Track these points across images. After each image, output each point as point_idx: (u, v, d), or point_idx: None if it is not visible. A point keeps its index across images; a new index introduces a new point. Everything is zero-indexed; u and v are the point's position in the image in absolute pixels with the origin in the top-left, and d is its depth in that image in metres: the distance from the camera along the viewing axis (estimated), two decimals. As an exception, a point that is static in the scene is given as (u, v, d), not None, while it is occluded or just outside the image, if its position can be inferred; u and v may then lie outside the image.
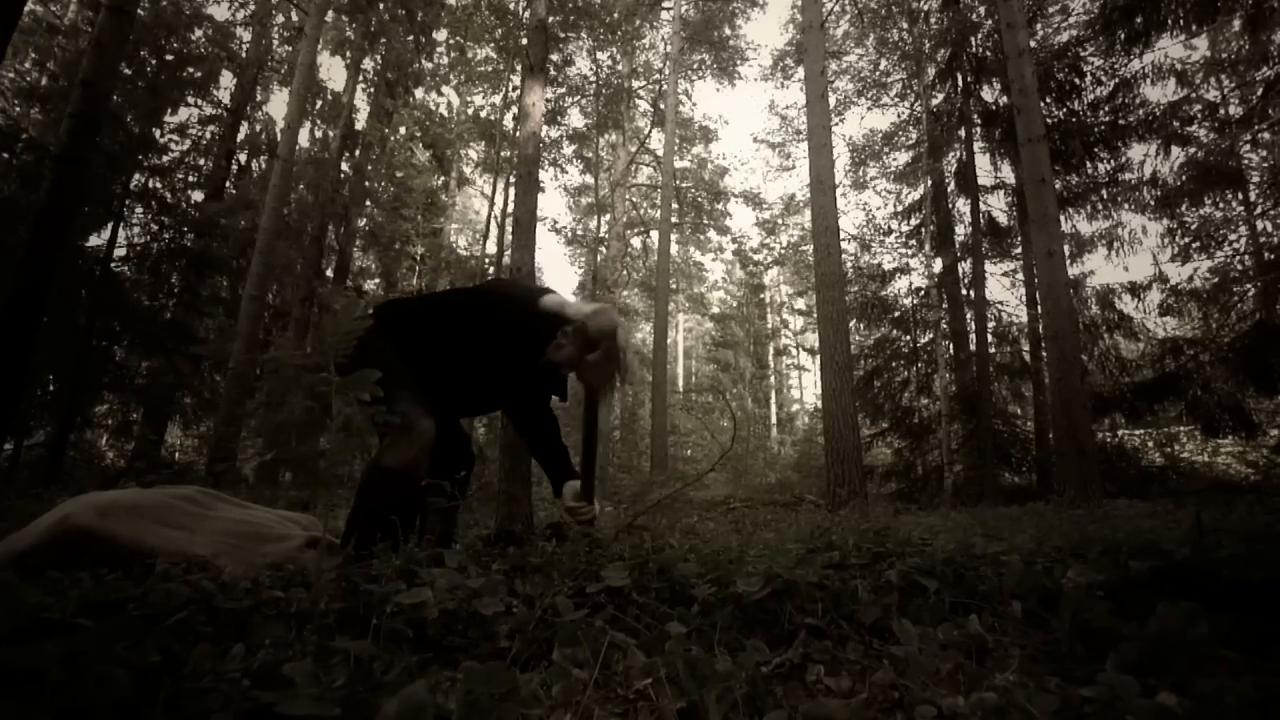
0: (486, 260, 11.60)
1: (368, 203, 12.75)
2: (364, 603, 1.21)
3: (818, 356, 8.47)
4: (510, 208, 8.96)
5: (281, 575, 1.60)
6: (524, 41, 6.21)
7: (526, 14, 5.82)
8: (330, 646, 0.76)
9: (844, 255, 11.50)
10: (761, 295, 20.69)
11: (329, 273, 13.12)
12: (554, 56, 10.69)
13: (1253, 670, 0.91)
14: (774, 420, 22.51)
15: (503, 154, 10.96)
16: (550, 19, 9.69)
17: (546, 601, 1.25)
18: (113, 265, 8.84)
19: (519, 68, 9.49)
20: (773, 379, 22.77)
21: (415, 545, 1.57)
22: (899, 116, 12.17)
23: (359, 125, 13.00)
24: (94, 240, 8.85)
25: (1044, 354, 7.67)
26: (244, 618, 1.18)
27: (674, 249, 19.79)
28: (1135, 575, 1.39)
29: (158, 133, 10.19)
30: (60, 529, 2.06)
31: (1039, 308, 8.12)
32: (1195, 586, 1.25)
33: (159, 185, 9.45)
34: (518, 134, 5.34)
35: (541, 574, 1.56)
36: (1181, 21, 7.94)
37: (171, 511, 2.34)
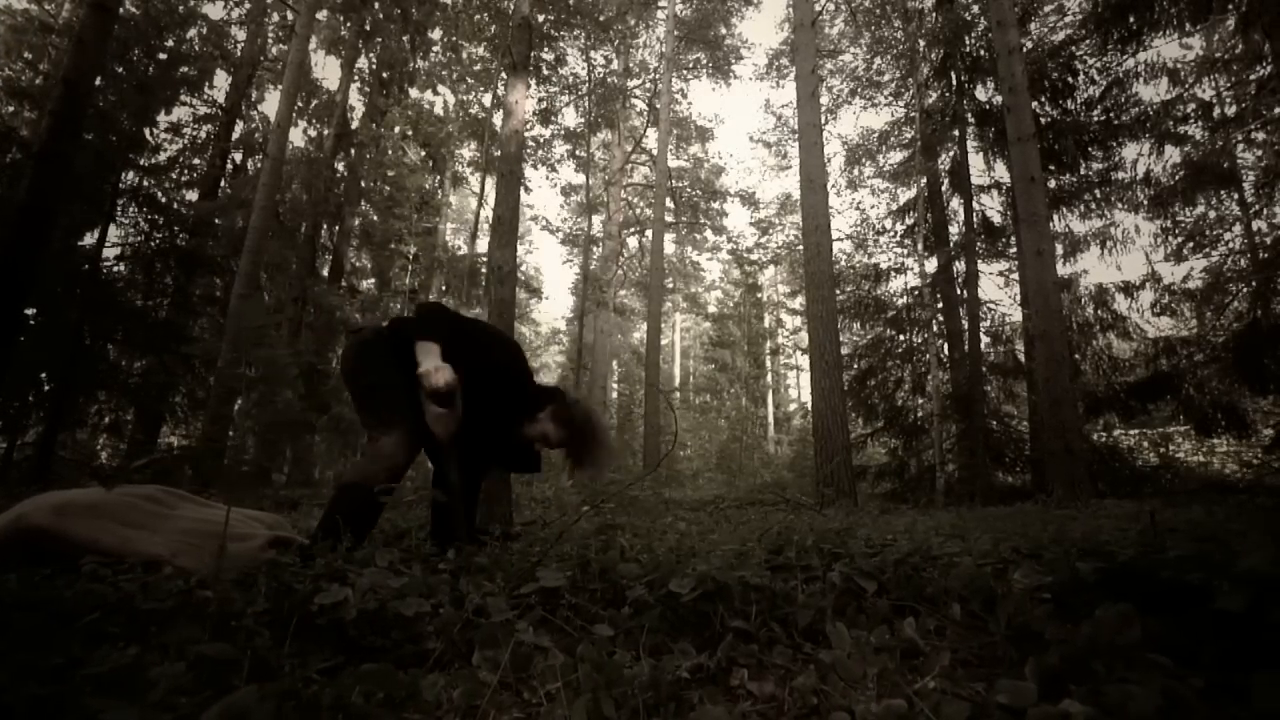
0: (480, 262, 11.59)
1: (364, 204, 12.73)
2: (288, 603, 1.19)
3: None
4: (502, 207, 8.90)
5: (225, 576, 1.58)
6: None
7: (512, 11, 5.79)
8: (194, 650, 0.73)
9: (838, 254, 11.49)
10: (758, 295, 20.66)
11: (324, 272, 13.12)
12: (547, 55, 10.67)
13: (1176, 676, 0.89)
14: (771, 420, 22.49)
15: (494, 152, 10.95)
16: (541, 18, 9.67)
17: (475, 602, 1.23)
18: (105, 264, 8.83)
19: (511, 66, 9.44)
20: (770, 378, 22.75)
21: (353, 547, 1.56)
22: (893, 115, 12.15)
23: (354, 124, 12.98)
24: (88, 239, 8.84)
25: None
26: (165, 619, 1.16)
27: (671, 249, 19.77)
28: (1084, 577, 1.37)
29: (152, 132, 10.19)
30: (15, 529, 2.04)
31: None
32: (1137, 588, 1.23)
33: (151, 184, 9.43)
34: (501, 131, 5.33)
35: (485, 574, 1.54)
36: (1175, 21, 7.91)
37: (131, 511, 2.32)
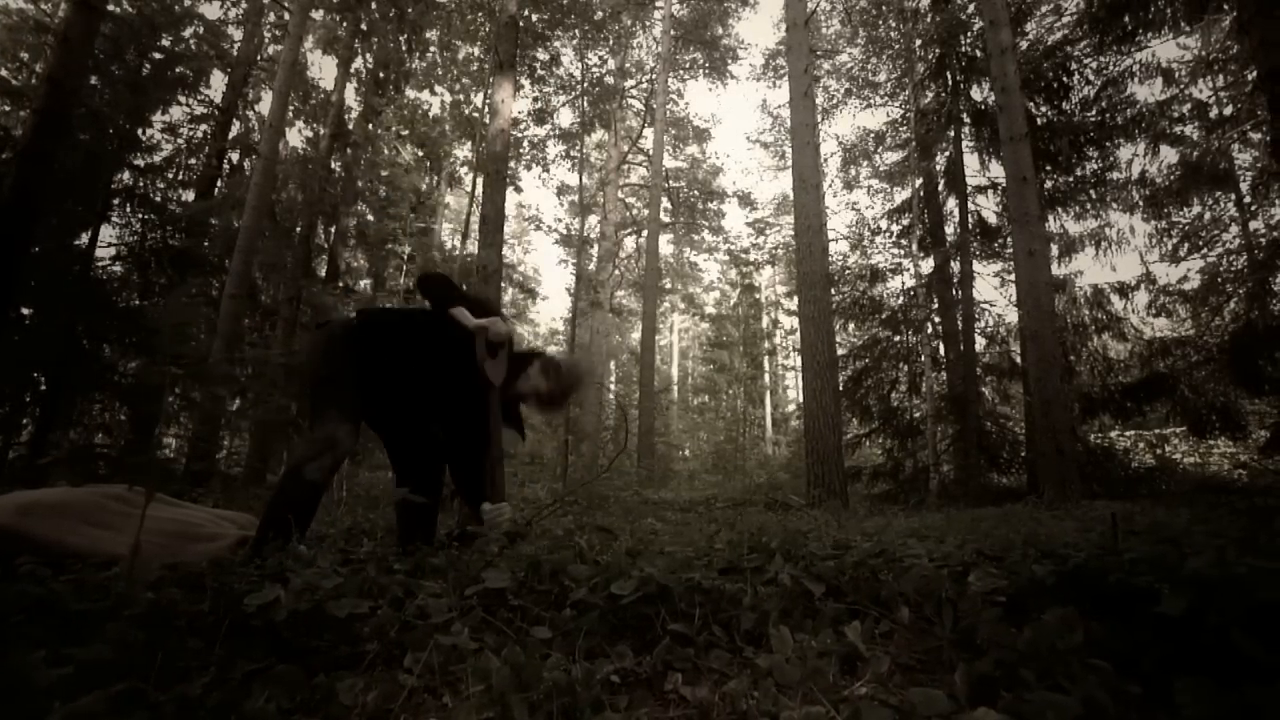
0: (468, 259, 11.59)
1: (360, 204, 12.71)
2: (223, 604, 1.17)
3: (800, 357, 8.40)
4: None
5: (173, 575, 1.56)
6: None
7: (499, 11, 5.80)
8: (67, 654, 0.72)
9: (834, 255, 11.45)
10: (755, 295, 20.62)
11: (321, 272, 13.09)
12: (541, 55, 10.65)
13: (1113, 681, 0.86)
14: (769, 420, 22.44)
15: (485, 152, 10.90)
16: (534, 17, 9.65)
17: (418, 603, 1.21)
18: (99, 264, 8.81)
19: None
20: (767, 379, 22.70)
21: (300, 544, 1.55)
22: (889, 116, 12.12)
23: (350, 124, 12.97)
24: (84, 239, 8.83)
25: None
26: (96, 620, 1.14)
27: (669, 249, 19.75)
28: (1041, 579, 1.34)
29: (144, 132, 10.16)
30: (-23, 529, 2.02)
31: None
32: (1090, 592, 1.21)
33: (144, 184, 9.43)
34: (488, 131, 5.33)
35: (439, 575, 1.52)
36: (1170, 20, 7.87)
37: (99, 511, 2.31)
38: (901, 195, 11.38)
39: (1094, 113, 8.99)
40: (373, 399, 2.08)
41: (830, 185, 12.92)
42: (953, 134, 10.11)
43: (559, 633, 1.14)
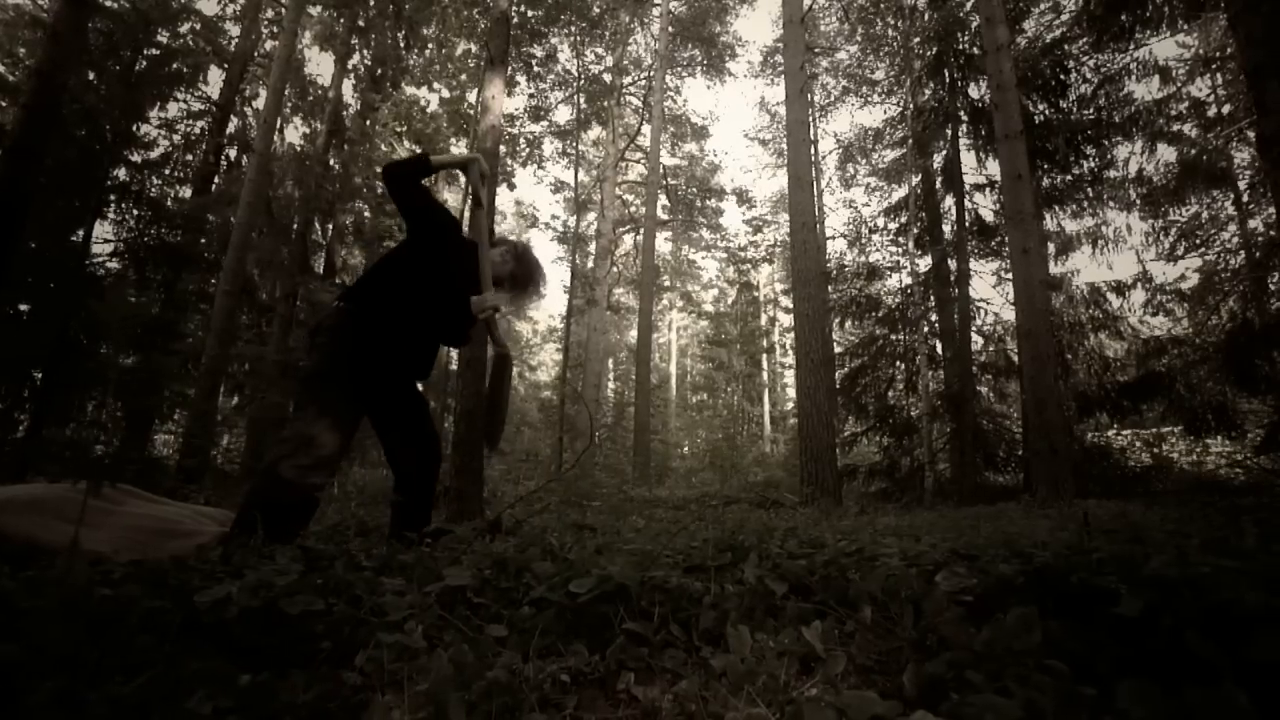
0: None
1: (357, 201, 12.69)
2: (174, 601, 1.16)
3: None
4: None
5: (142, 571, 1.55)
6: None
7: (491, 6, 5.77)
8: None
9: (832, 253, 11.43)
10: (754, 293, 20.58)
11: (318, 269, 13.08)
12: (537, 51, 10.63)
13: (1067, 684, 0.85)
14: (767, 418, 22.41)
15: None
16: (528, 13, 9.61)
17: (375, 600, 1.20)
18: (95, 259, 8.81)
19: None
20: (765, 376, 22.66)
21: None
22: (886, 113, 12.09)
23: (347, 120, 12.94)
24: (79, 235, 8.82)
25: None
26: (44, 618, 1.13)
27: (667, 247, 19.71)
28: (1010, 579, 1.33)
29: (142, 128, 10.13)
30: (-49, 525, 2.01)
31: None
32: (1054, 592, 1.19)
33: (139, 181, 9.40)
34: (478, 128, 5.31)
35: (406, 572, 1.51)
36: (1168, 18, 7.83)
37: (74, 506, 2.30)
38: (899, 193, 11.37)
39: (1091, 110, 8.96)
40: (376, 379, 2.09)
41: (828, 183, 12.90)
42: (950, 132, 10.08)
43: (515, 631, 1.12)
